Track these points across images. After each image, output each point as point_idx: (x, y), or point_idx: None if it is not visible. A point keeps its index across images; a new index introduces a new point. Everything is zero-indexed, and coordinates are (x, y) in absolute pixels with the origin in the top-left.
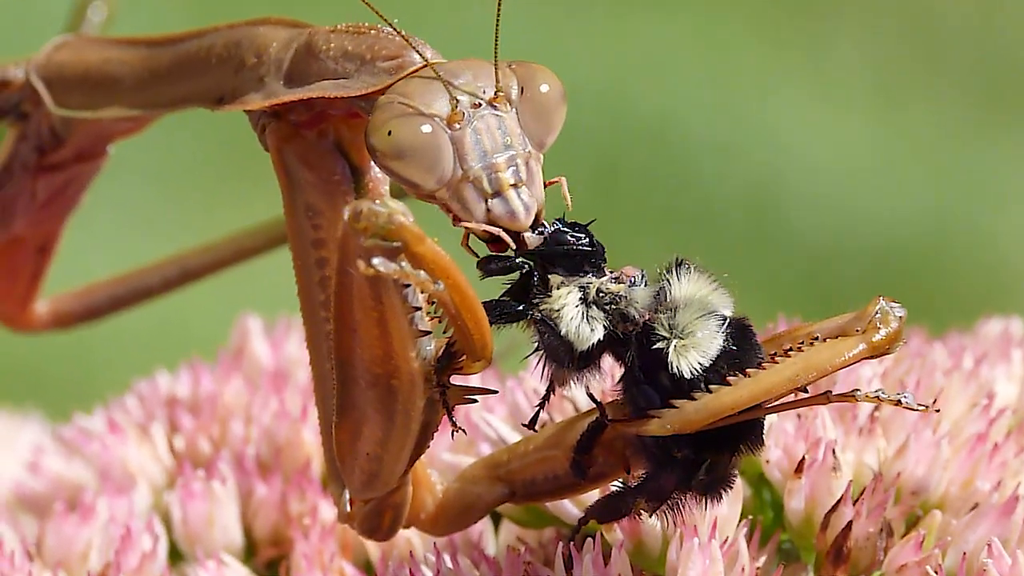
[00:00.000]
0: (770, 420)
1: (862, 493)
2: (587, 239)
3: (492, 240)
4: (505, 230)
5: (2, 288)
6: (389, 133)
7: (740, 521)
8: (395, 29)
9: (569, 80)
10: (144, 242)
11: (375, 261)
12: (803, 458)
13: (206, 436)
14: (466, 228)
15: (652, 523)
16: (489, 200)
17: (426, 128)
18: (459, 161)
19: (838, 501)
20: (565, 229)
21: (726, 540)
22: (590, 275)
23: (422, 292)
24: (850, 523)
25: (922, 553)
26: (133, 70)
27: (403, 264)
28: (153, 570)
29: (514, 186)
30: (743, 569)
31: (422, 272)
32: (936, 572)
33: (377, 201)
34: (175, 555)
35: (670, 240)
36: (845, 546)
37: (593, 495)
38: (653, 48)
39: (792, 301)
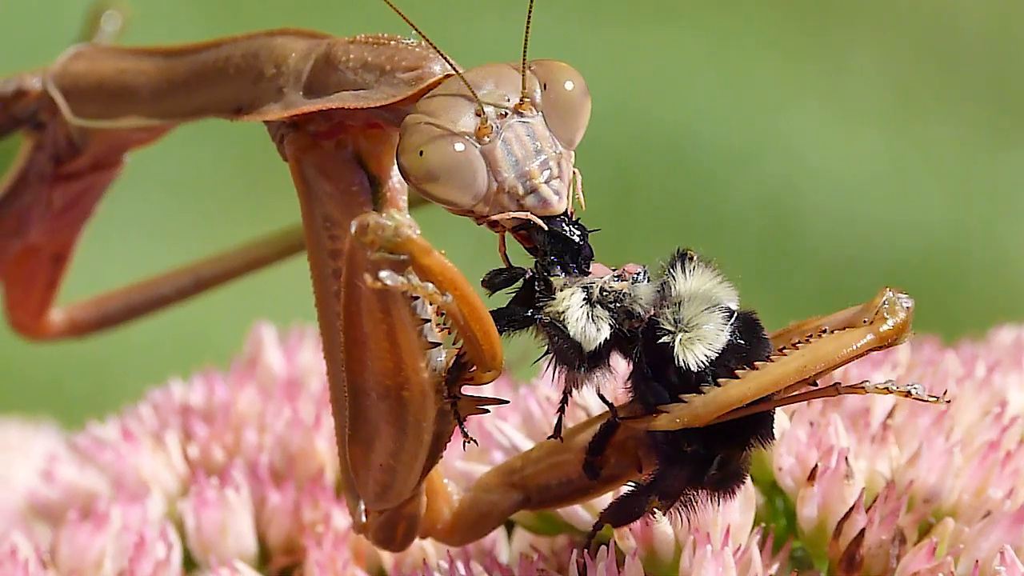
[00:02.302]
0: (782, 428)
1: (875, 501)
2: (581, 236)
3: (522, 228)
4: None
5: (17, 297)
6: (421, 154)
7: (753, 528)
8: (423, 37)
9: None
10: (164, 254)
11: (382, 274)
12: (816, 466)
13: (220, 444)
14: (496, 219)
15: (665, 530)
16: (522, 200)
17: (459, 147)
18: (493, 174)
19: (851, 509)
20: (566, 223)
21: (739, 547)
22: (591, 275)
23: (430, 304)
24: (863, 531)
25: (934, 561)
26: (150, 80)
27: (411, 277)
28: None
29: (546, 182)
30: None
31: (430, 284)
32: None
33: (384, 214)
34: (189, 563)
35: None
36: (858, 554)
37: (606, 501)
38: (669, 60)
39: (807, 312)
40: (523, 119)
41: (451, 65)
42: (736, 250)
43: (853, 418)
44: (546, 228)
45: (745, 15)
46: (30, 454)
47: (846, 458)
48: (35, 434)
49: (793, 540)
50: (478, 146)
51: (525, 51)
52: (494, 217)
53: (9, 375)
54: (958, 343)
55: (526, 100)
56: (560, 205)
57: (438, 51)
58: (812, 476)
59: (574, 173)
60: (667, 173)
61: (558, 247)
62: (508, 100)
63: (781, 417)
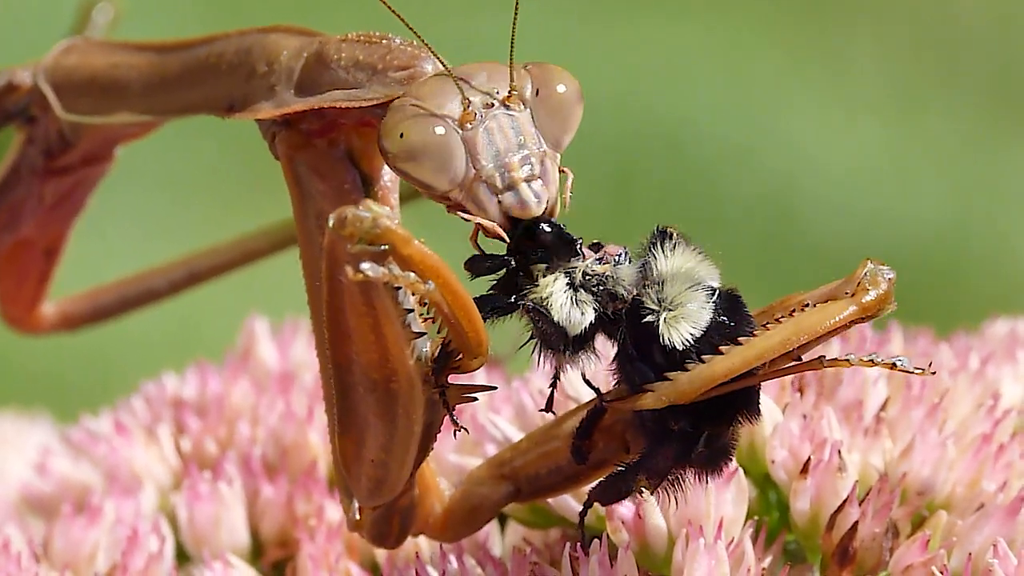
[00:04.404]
0: (775, 421)
1: (868, 494)
2: (558, 236)
3: (498, 237)
4: (514, 223)
5: (9, 290)
6: (401, 135)
7: (746, 522)
8: (416, 35)
9: (585, 86)
10: (160, 250)
11: (363, 266)
12: (809, 459)
13: (213, 437)
14: (477, 224)
15: (658, 523)
16: (500, 195)
17: (438, 129)
18: (472, 161)
19: (844, 502)
20: (545, 224)
21: (732, 540)
22: (574, 260)
23: (413, 294)
24: (856, 524)
25: (928, 553)
26: (142, 75)
27: (392, 267)
28: (160, 571)
29: (527, 180)
30: (749, 570)
31: (412, 274)
32: (942, 572)
33: (361, 206)
34: (182, 556)
35: None
36: (851, 546)
37: None
38: (670, 54)
39: None
40: (509, 112)
41: (440, 62)
42: (737, 243)
43: (846, 411)
44: (506, 238)
45: (746, 9)
46: (24, 447)
47: (839, 451)
48: (30, 427)
49: (786, 533)
50: (459, 131)
51: (512, 47)
52: (479, 221)
53: (6, 368)
54: (952, 335)
55: (514, 94)
56: (538, 208)
57: (430, 48)
58: (805, 469)
59: (564, 172)
60: (668, 167)
61: (532, 247)
62: (497, 93)
63: (774, 410)
